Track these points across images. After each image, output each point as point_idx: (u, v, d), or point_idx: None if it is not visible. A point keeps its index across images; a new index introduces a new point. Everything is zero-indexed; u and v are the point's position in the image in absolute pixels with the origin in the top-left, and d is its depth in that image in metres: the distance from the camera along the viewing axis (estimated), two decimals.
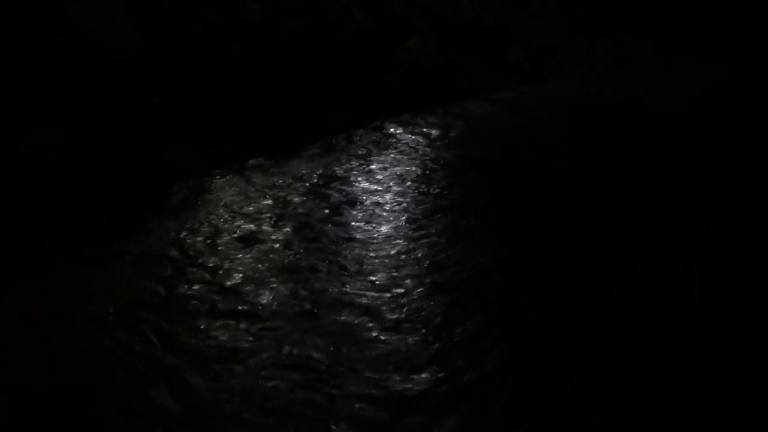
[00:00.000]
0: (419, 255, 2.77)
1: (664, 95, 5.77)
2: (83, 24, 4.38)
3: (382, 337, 2.22)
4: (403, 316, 2.33)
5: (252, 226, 3.18)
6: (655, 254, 2.63)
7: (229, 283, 2.65)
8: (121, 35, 4.56)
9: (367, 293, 2.50)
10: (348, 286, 2.59)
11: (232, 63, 4.97)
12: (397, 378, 1.99)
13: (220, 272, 2.72)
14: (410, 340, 2.18)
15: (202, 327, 2.34)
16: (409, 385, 1.95)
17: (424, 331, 2.22)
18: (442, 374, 1.99)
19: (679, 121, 4.67)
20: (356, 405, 1.88)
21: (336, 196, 3.53)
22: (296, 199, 3.51)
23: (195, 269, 2.76)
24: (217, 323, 2.36)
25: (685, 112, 4.97)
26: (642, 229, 2.87)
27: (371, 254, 2.83)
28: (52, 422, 1.90)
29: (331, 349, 2.18)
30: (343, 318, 2.36)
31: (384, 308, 2.39)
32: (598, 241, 2.78)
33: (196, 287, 2.62)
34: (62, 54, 4.23)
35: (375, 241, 2.96)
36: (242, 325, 2.34)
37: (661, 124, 4.68)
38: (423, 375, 1.99)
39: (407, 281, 2.57)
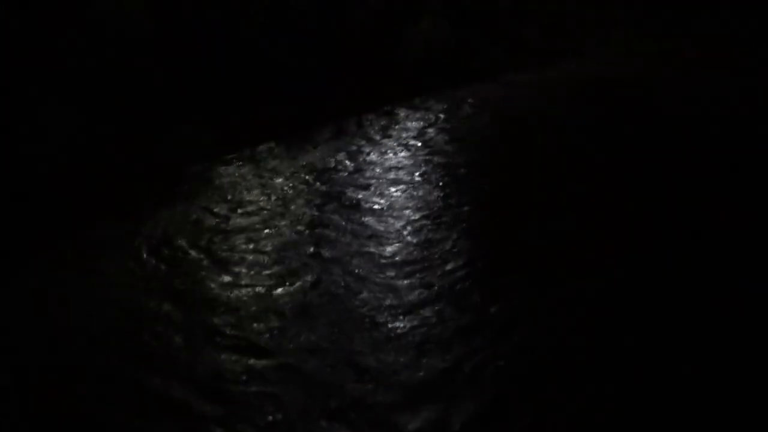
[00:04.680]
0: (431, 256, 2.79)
1: (679, 80, 5.69)
2: (96, 6, 4.40)
3: None
4: None
5: (262, 210, 3.20)
6: (666, 238, 2.64)
7: (234, 269, 2.68)
8: (133, 17, 4.57)
9: None
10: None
11: (241, 44, 4.96)
12: None
13: (229, 254, 2.75)
14: None
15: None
16: None
17: None
18: None
19: (696, 109, 4.63)
20: None
21: (347, 183, 3.54)
22: (306, 186, 3.53)
23: (203, 254, 2.80)
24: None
25: (700, 99, 4.92)
26: (657, 212, 2.92)
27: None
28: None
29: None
30: None
31: None
32: (611, 221, 2.83)
33: (203, 272, 2.66)
34: (75, 35, 4.25)
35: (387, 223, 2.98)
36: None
37: (674, 115, 4.63)
38: None
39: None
